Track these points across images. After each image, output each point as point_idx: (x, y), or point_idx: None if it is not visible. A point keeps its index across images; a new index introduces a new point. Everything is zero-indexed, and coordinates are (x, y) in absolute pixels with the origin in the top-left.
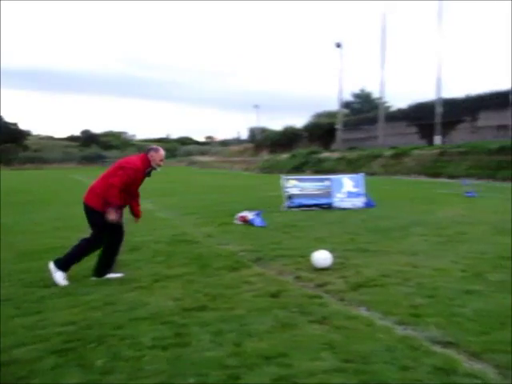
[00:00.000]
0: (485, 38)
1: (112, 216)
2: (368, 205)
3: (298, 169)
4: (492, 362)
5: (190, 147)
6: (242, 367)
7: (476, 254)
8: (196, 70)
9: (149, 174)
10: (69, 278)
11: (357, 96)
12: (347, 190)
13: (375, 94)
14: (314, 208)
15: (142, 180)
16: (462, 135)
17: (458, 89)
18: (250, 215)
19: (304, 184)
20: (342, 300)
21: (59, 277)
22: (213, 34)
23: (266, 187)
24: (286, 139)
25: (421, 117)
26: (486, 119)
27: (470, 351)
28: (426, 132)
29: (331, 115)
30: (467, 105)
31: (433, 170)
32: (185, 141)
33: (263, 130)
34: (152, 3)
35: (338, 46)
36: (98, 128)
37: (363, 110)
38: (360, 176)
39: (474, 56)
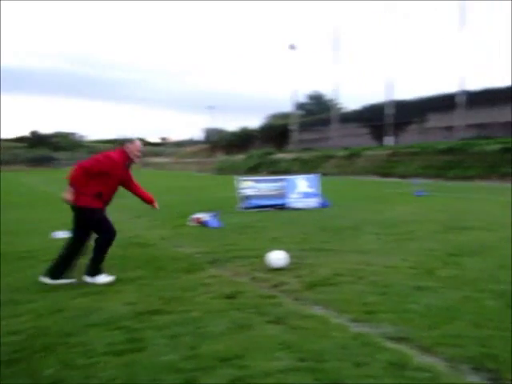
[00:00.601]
0: (433, 39)
1: (67, 196)
2: (323, 205)
3: (253, 170)
4: (442, 355)
5: (143, 148)
6: (197, 370)
7: (426, 251)
8: (149, 69)
9: (129, 167)
10: (16, 287)
11: (311, 97)
12: (302, 190)
13: (329, 96)
14: (269, 209)
15: (123, 174)
16: (411, 136)
17: (408, 91)
18: (205, 217)
19: (259, 185)
20: (297, 299)
21: (102, 279)
22: (166, 33)
23: (220, 188)
24: (241, 140)
25: (373, 118)
26: (435, 120)
27: (422, 346)
28: (378, 133)
29: (285, 116)
30: (417, 107)
31: (384, 170)
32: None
33: (218, 131)
34: (104, 2)
35: (292, 47)
36: (46, 129)
37: (317, 112)
38: (315, 176)
39: (423, 58)
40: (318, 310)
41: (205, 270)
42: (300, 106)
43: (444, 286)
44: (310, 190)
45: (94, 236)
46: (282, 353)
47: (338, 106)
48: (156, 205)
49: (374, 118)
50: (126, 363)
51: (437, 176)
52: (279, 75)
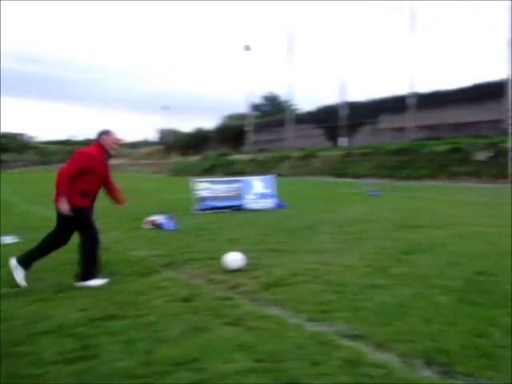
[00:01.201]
0: (385, 42)
1: (63, 206)
2: (279, 205)
3: (208, 171)
4: (395, 351)
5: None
6: (153, 375)
7: (379, 249)
8: (101, 69)
9: (107, 161)
10: None
11: (266, 99)
12: (258, 191)
13: (284, 97)
14: (225, 210)
15: (103, 169)
16: (364, 137)
17: (362, 92)
18: (160, 219)
19: (215, 186)
20: (254, 300)
21: (96, 282)
22: (118, 33)
23: (176, 190)
24: (197, 141)
25: (327, 119)
26: (387, 122)
27: (376, 342)
28: (332, 134)
29: (241, 117)
30: (369, 108)
31: (338, 170)
32: (89, 143)
33: (173, 132)
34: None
35: (247, 48)
36: None
37: (272, 113)
38: (271, 177)
39: (376, 60)
40: (274, 311)
41: (160, 273)
42: (255, 107)
43: (397, 284)
44: (265, 191)
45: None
46: (239, 354)
47: (293, 108)
48: (126, 203)
49: (328, 119)
50: (78, 371)
51: (389, 176)
52: (234, 76)
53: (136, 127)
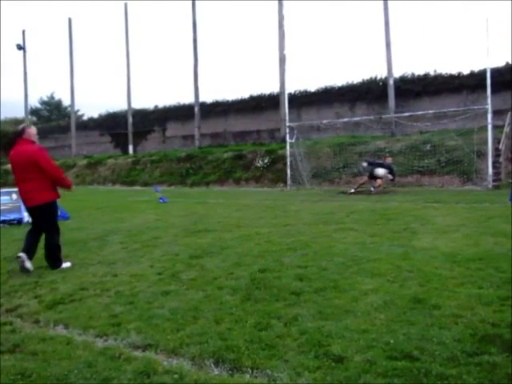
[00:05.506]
0: (167, 50)
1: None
2: (62, 217)
3: None
4: (187, 355)
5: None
6: None
7: (170, 256)
8: None
9: None
10: None
11: (45, 103)
12: None
13: (66, 102)
14: (1, 225)
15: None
16: (153, 144)
17: (148, 100)
18: None
19: None
20: (36, 322)
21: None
22: None
23: None
24: None
25: (114, 126)
26: (174, 129)
27: (168, 349)
28: (120, 141)
29: (17, 122)
30: (156, 116)
31: (128, 178)
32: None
33: None
34: None
35: (20, 48)
36: None
37: (54, 118)
38: None
39: (162, 68)
40: (60, 330)
41: None
42: (34, 112)
43: (187, 288)
44: None
45: None
46: None
47: (78, 113)
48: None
49: (116, 126)
50: None
51: (179, 182)
52: (9, 77)
53: None
